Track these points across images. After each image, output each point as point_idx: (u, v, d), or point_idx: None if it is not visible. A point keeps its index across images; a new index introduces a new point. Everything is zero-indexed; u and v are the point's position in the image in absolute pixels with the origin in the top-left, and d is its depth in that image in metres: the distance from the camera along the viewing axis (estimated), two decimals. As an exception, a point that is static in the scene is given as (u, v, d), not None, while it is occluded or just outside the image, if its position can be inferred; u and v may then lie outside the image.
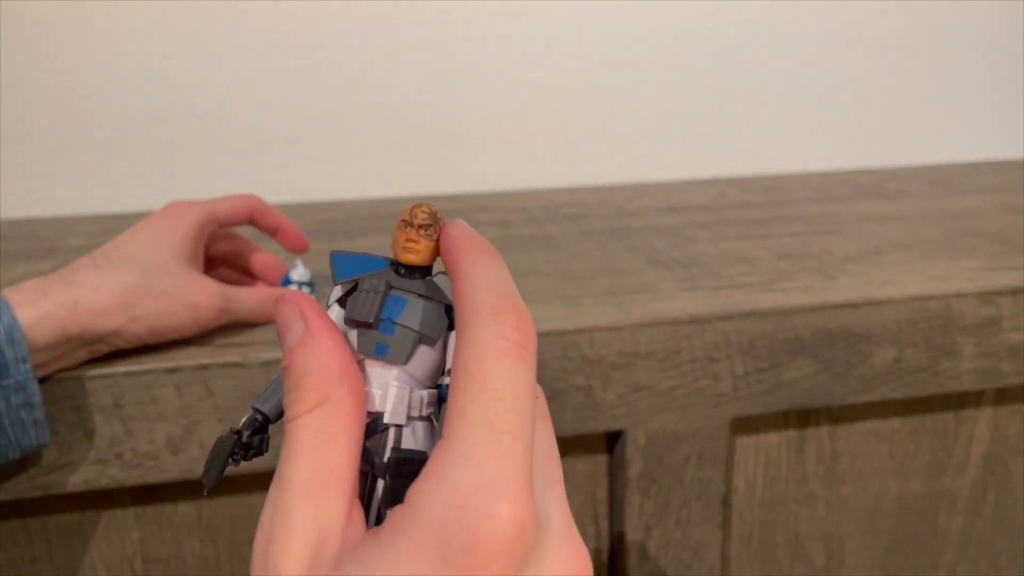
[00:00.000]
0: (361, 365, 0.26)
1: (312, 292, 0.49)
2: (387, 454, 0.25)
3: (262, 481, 0.46)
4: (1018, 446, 0.56)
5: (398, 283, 0.26)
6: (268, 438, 0.27)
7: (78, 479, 0.42)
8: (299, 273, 0.50)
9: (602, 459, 0.49)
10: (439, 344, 0.26)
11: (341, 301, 0.27)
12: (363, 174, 0.81)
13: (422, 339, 0.25)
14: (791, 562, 0.54)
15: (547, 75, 0.81)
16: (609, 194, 0.78)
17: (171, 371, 0.41)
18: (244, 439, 0.26)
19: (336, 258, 0.27)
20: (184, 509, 0.46)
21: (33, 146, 0.76)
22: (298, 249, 0.50)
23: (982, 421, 0.55)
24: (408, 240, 0.26)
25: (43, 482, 0.41)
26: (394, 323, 0.25)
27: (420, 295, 0.26)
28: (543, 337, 0.43)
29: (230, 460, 0.26)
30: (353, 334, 0.26)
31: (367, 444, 0.25)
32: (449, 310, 0.26)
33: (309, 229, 0.66)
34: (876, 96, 0.88)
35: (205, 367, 0.41)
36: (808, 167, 0.88)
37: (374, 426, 0.25)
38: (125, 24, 0.74)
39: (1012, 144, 0.92)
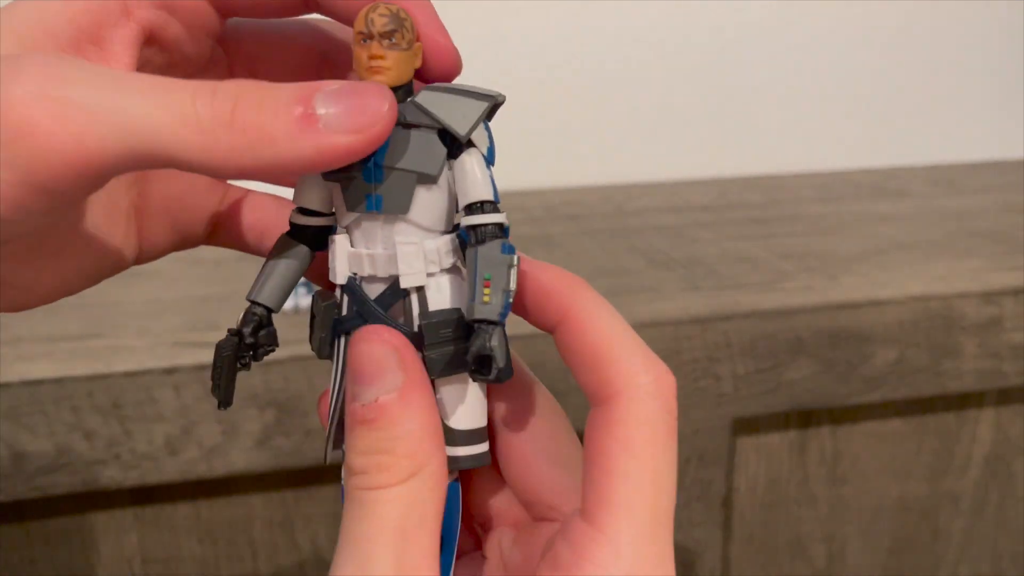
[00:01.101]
0: (355, 224, 0.22)
1: (309, 293, 0.49)
2: (416, 322, 0.21)
3: (262, 482, 0.46)
4: (1020, 446, 0.56)
5: None
6: (275, 331, 0.23)
7: (76, 480, 0.41)
8: None
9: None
10: (442, 179, 0.21)
11: None
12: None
13: (419, 179, 0.21)
14: (792, 563, 0.54)
15: (547, 75, 0.81)
16: (609, 194, 0.77)
17: (170, 371, 0.41)
18: (246, 339, 0.22)
19: None
20: (183, 510, 0.46)
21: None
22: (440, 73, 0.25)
23: (984, 422, 0.55)
24: (371, 57, 0.20)
25: (42, 483, 0.41)
26: (379, 167, 0.21)
27: (403, 124, 0.21)
28: (544, 337, 0.43)
29: (239, 365, 0.22)
30: (337, 190, 0.22)
31: (387, 315, 0.22)
32: (444, 135, 0.21)
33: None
34: (878, 96, 0.88)
35: (204, 367, 0.41)
36: (810, 167, 0.88)
37: (390, 294, 0.22)
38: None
39: (1014, 144, 0.92)
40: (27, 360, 0.42)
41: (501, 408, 0.24)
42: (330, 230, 0.23)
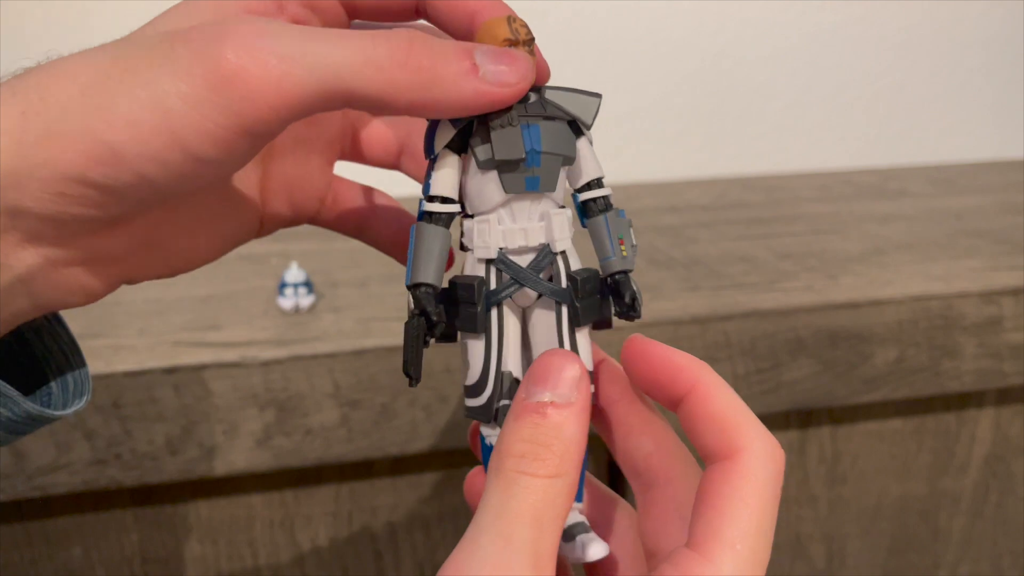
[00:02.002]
0: (505, 205, 0.25)
1: (309, 293, 0.49)
2: (563, 281, 0.25)
3: (261, 482, 0.46)
4: (1020, 446, 0.56)
5: (520, 110, 0.25)
6: (443, 307, 0.25)
7: (77, 480, 0.41)
8: (293, 275, 0.49)
9: (603, 460, 0.49)
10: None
11: (452, 145, 0.25)
12: (363, 174, 0.81)
13: (564, 161, 0.25)
14: (792, 562, 0.54)
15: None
16: (610, 194, 0.77)
17: (170, 371, 0.41)
18: (433, 317, 0.24)
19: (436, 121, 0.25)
20: (183, 510, 0.46)
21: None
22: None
23: (984, 421, 0.55)
24: None
25: (42, 483, 0.41)
26: (538, 152, 0.24)
27: (545, 116, 0.25)
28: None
29: (425, 343, 0.25)
30: (489, 177, 0.25)
31: (539, 278, 0.25)
32: (572, 124, 0.25)
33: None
34: (878, 96, 0.88)
35: (204, 367, 0.41)
36: (810, 167, 0.88)
37: (541, 258, 0.25)
38: (125, 23, 0.73)
39: (1014, 144, 0.92)
40: (27, 360, 0.42)
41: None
42: (454, 216, 0.25)
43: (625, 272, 0.25)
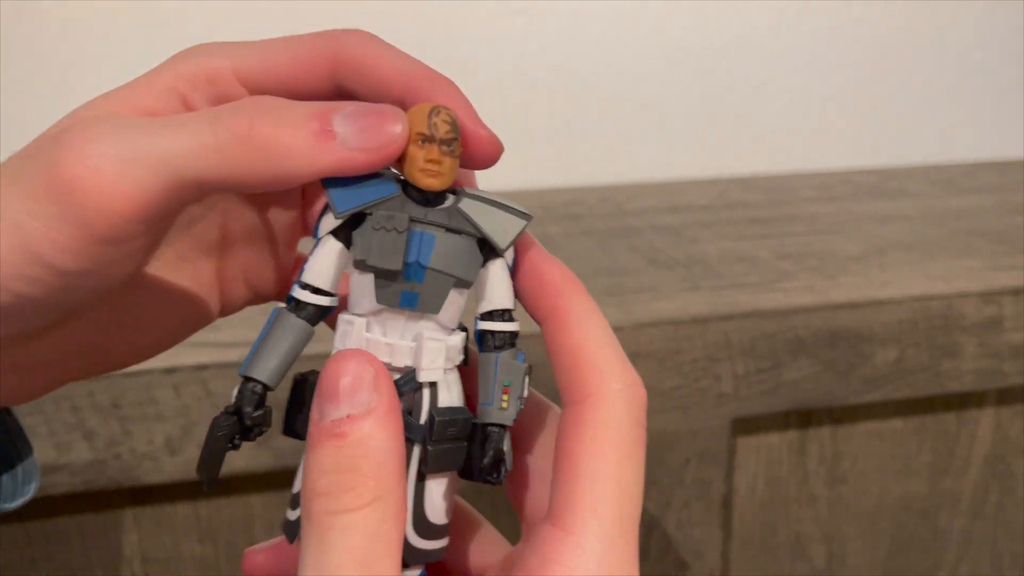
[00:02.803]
0: (376, 313, 0.22)
1: None
2: (423, 415, 0.22)
3: (261, 482, 0.46)
4: (1020, 447, 0.56)
5: (419, 213, 0.21)
6: (271, 411, 0.22)
7: (76, 480, 0.41)
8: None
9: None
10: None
11: (338, 233, 0.22)
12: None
13: (457, 283, 0.22)
14: (792, 563, 0.54)
15: (547, 74, 0.81)
16: (609, 194, 0.77)
17: (169, 371, 0.41)
18: (246, 421, 0.22)
19: (330, 181, 0.21)
20: (183, 510, 0.45)
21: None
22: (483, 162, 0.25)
23: (984, 422, 0.55)
24: (428, 160, 0.21)
25: (41, 483, 0.41)
26: (423, 267, 0.21)
27: (448, 228, 0.22)
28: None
29: (230, 446, 0.22)
30: (366, 279, 0.22)
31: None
32: (482, 243, 0.22)
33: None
34: (878, 95, 0.88)
35: (204, 367, 0.41)
36: (810, 167, 0.88)
37: (403, 384, 0.22)
38: (126, 23, 0.73)
39: (1014, 143, 0.92)
40: (27, 360, 0.42)
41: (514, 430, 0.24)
42: (328, 311, 0.23)
43: (500, 426, 0.22)
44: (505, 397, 0.22)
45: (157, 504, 0.45)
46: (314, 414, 0.20)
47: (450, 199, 0.22)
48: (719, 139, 0.86)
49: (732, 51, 0.84)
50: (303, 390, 0.23)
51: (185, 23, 0.75)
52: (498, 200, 0.23)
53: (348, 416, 0.20)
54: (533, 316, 0.23)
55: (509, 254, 0.23)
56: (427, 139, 0.21)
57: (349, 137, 0.20)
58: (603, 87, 0.83)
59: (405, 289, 0.21)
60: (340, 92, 0.24)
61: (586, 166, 0.84)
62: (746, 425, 0.50)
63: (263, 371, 0.22)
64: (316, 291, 0.22)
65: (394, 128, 0.20)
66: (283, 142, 0.20)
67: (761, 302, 0.48)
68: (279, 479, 0.46)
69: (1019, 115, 0.92)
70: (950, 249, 0.58)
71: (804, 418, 0.51)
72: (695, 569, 0.51)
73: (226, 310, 0.29)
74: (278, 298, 0.30)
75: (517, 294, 0.23)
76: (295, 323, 0.22)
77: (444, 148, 0.21)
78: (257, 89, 0.25)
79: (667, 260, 0.56)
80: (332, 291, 0.22)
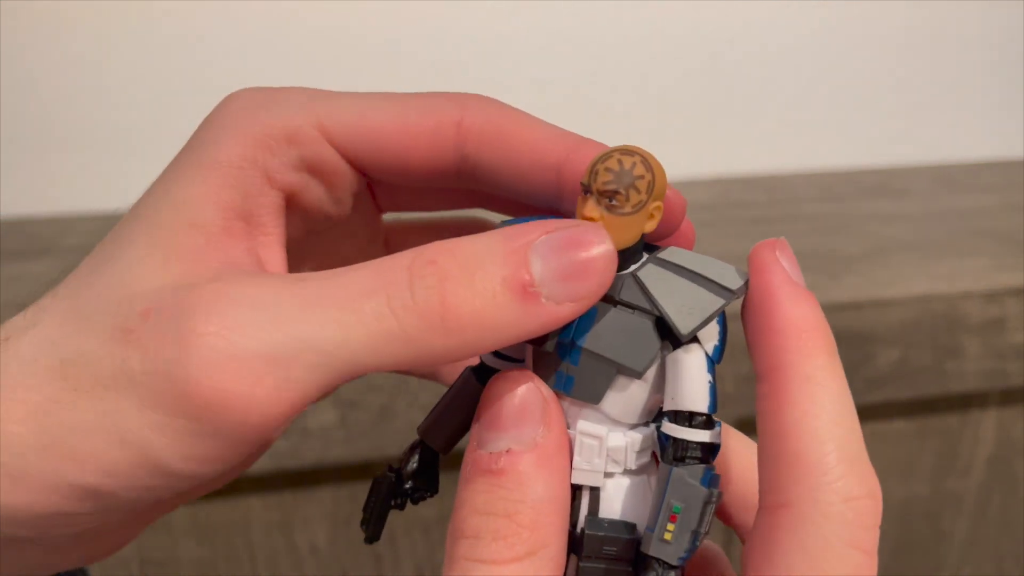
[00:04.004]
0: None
1: None
2: (580, 523, 0.18)
3: (259, 484, 0.45)
4: (1023, 447, 0.55)
5: None
6: (438, 475, 0.21)
7: (73, 481, 0.41)
8: None
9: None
10: (652, 372, 0.18)
11: None
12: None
13: (620, 370, 0.18)
14: (794, 565, 0.54)
15: (547, 74, 0.81)
16: (611, 193, 0.77)
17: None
18: (406, 484, 0.20)
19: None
20: (181, 512, 0.45)
21: (30, 143, 0.76)
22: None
23: (987, 422, 0.54)
24: (583, 217, 0.17)
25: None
26: (577, 348, 0.18)
27: (617, 301, 0.18)
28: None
29: (392, 505, 0.20)
30: (530, 351, 0.19)
31: None
32: (662, 324, 0.18)
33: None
34: (880, 94, 0.88)
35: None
36: (811, 166, 0.88)
37: None
38: (127, 22, 0.73)
39: (1018, 143, 0.92)
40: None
41: None
42: None
43: (661, 563, 0.17)
44: (671, 527, 0.17)
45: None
46: (472, 440, 0.18)
47: (637, 263, 0.18)
48: (720, 138, 0.86)
49: (734, 50, 0.84)
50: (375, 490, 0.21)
51: (185, 22, 0.74)
52: (700, 268, 0.18)
53: (508, 451, 0.17)
54: (756, 368, 0.18)
55: (711, 339, 0.18)
56: (586, 190, 0.18)
57: (554, 291, 0.16)
58: (603, 87, 0.82)
59: (561, 370, 0.18)
60: (464, 164, 0.21)
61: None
62: (749, 426, 0.50)
63: (434, 436, 0.20)
64: (502, 357, 0.20)
65: (603, 265, 0.17)
66: (484, 318, 0.16)
67: (763, 302, 0.47)
68: (278, 481, 0.45)
69: (1021, 114, 0.91)
70: (953, 249, 0.57)
71: (806, 419, 0.51)
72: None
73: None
74: None
75: (746, 330, 0.18)
76: (476, 388, 0.20)
77: (604, 202, 0.17)
78: (352, 154, 0.21)
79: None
80: (520, 357, 0.20)
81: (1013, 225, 0.63)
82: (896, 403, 0.52)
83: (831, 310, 0.47)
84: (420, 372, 0.25)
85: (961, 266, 0.53)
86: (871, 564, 0.16)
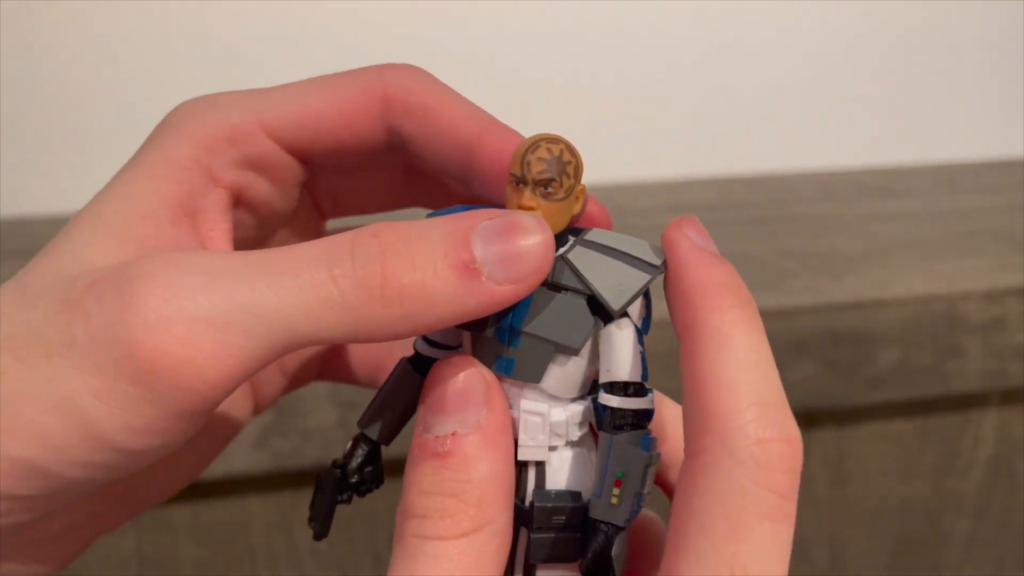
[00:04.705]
0: None
1: None
2: (528, 497, 0.19)
3: (259, 485, 0.45)
4: (1023, 448, 0.55)
5: None
6: (382, 467, 0.21)
7: (73, 481, 0.41)
8: None
9: (603, 461, 0.49)
10: (584, 348, 0.19)
11: None
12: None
13: (558, 349, 0.18)
14: (794, 564, 0.54)
15: (546, 74, 0.81)
16: (610, 193, 0.77)
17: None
18: (352, 479, 0.21)
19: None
20: (180, 512, 0.45)
21: (30, 143, 0.76)
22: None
23: (988, 422, 0.54)
24: (521, 207, 0.18)
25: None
26: (517, 332, 0.18)
27: (548, 284, 0.18)
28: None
29: (339, 500, 0.21)
30: (466, 337, 0.20)
31: None
32: (593, 302, 0.18)
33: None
34: (881, 94, 0.88)
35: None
36: (812, 166, 0.88)
37: None
38: (127, 22, 0.73)
39: (1019, 143, 0.92)
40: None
41: None
42: None
43: (609, 525, 0.18)
44: (616, 491, 0.18)
45: (155, 506, 0.45)
46: (417, 425, 0.18)
47: (565, 246, 0.19)
48: (721, 138, 0.86)
49: (734, 50, 0.84)
50: (321, 483, 0.21)
51: (186, 23, 0.74)
52: (625, 247, 0.19)
53: (454, 434, 0.18)
54: (676, 332, 0.19)
55: (638, 313, 0.19)
56: (519, 180, 0.18)
57: (494, 271, 0.17)
58: (603, 87, 0.82)
59: (501, 354, 0.18)
60: (392, 136, 0.21)
61: (587, 166, 0.83)
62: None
63: (375, 428, 0.21)
64: (436, 345, 0.20)
65: (542, 249, 0.17)
66: (424, 290, 0.16)
67: (763, 302, 0.47)
68: (277, 481, 0.45)
69: (1021, 114, 0.91)
70: (954, 249, 0.57)
71: (807, 419, 0.51)
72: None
73: (260, 407, 0.26)
74: (320, 379, 0.28)
75: (667, 301, 0.19)
76: (414, 378, 0.20)
77: (540, 190, 0.18)
78: (293, 144, 0.21)
79: (669, 260, 0.56)
80: (455, 344, 0.20)
81: (1013, 225, 0.63)
82: (896, 403, 0.52)
83: (831, 310, 0.47)
84: (363, 378, 0.26)
85: (961, 266, 0.53)
86: (788, 507, 0.17)
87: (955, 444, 0.54)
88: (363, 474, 0.21)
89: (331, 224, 0.27)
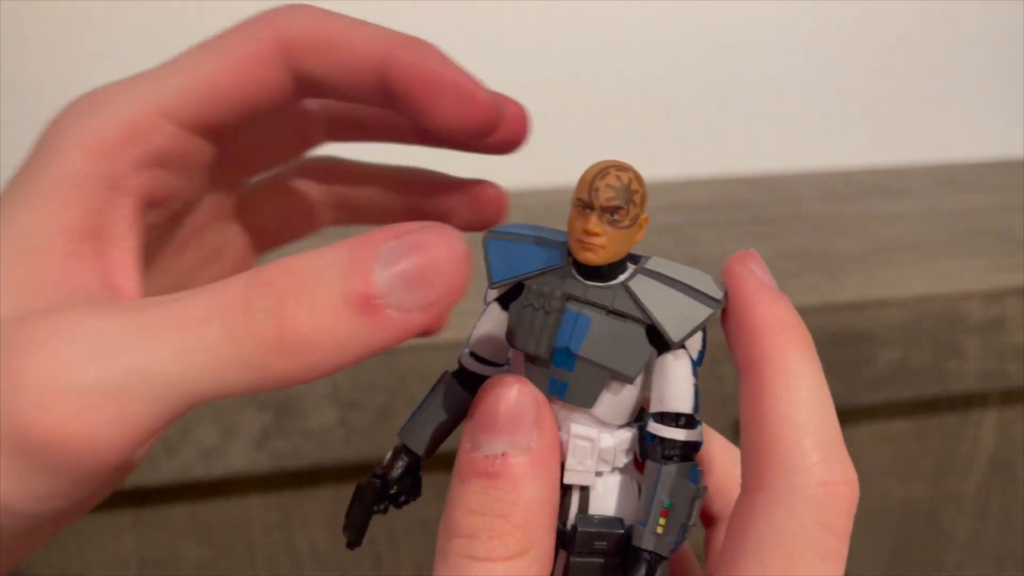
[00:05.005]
0: None
1: None
2: (570, 520, 0.19)
3: (260, 484, 0.45)
4: (1023, 448, 0.55)
5: (579, 290, 0.18)
6: (420, 479, 0.21)
7: (73, 481, 0.41)
8: None
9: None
10: (639, 377, 0.19)
11: (503, 300, 0.20)
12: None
13: (614, 376, 0.18)
14: (794, 565, 0.54)
15: (547, 74, 0.81)
16: (611, 193, 0.77)
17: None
18: (391, 490, 0.21)
19: (492, 244, 0.19)
20: (180, 512, 0.45)
21: (30, 143, 0.76)
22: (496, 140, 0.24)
23: (987, 423, 0.54)
24: (586, 232, 0.18)
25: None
26: (572, 356, 0.18)
27: (610, 310, 0.18)
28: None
29: (376, 510, 0.21)
30: (519, 357, 0.19)
31: None
32: (652, 331, 0.18)
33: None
34: (881, 94, 0.88)
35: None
36: (812, 166, 0.88)
37: None
38: (128, 22, 0.73)
39: (1019, 143, 0.92)
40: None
41: None
42: None
43: (652, 554, 0.18)
44: (663, 521, 0.18)
45: (155, 506, 0.45)
46: (465, 442, 0.18)
47: (626, 273, 0.19)
48: (720, 138, 0.86)
49: (734, 50, 0.84)
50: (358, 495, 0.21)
51: (186, 23, 0.74)
52: (685, 278, 0.19)
53: (503, 454, 0.17)
54: (737, 366, 0.19)
55: (695, 346, 0.19)
56: (586, 205, 0.18)
57: (402, 300, 0.15)
58: (603, 87, 0.82)
59: (554, 376, 0.18)
60: (301, 82, 0.20)
61: (587, 165, 0.83)
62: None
63: (417, 441, 0.21)
64: (483, 360, 0.20)
65: (454, 267, 0.16)
66: (326, 337, 0.15)
67: (763, 302, 0.47)
68: (278, 481, 0.45)
69: (1021, 114, 0.91)
70: (954, 249, 0.57)
71: (806, 419, 0.51)
72: (698, 571, 0.50)
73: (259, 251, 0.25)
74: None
75: (726, 334, 0.19)
76: (458, 393, 0.20)
77: (606, 217, 0.18)
78: (198, 123, 0.20)
79: (668, 260, 0.56)
80: (500, 361, 0.20)
81: (1013, 225, 0.63)
82: (896, 403, 0.52)
83: (831, 310, 0.47)
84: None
85: (962, 266, 0.53)
86: (843, 549, 0.17)
87: (955, 444, 0.54)
88: (402, 486, 0.21)
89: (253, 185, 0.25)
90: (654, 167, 0.85)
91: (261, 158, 0.25)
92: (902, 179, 0.81)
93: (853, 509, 0.17)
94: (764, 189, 0.77)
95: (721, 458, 0.22)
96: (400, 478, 0.21)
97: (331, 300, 0.15)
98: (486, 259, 0.19)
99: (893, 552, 0.55)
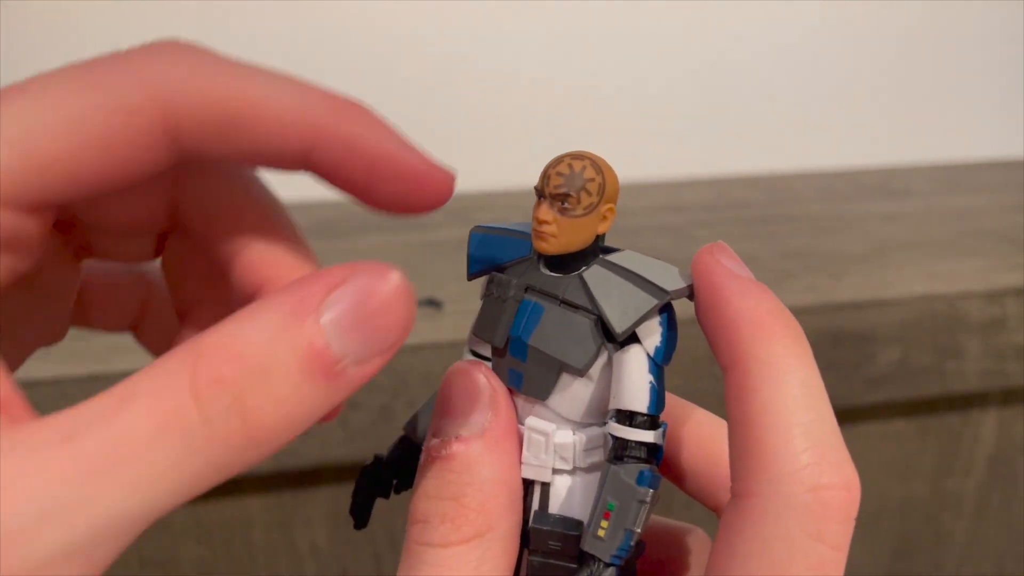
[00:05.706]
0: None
1: None
2: (529, 518, 0.18)
3: (259, 484, 0.45)
4: (1023, 447, 0.55)
5: (538, 280, 0.18)
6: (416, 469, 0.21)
7: (73, 481, 0.41)
8: None
9: (603, 461, 0.49)
10: (597, 371, 0.18)
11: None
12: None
13: (563, 368, 0.18)
14: (794, 565, 0.54)
15: (547, 74, 0.81)
16: (611, 193, 0.77)
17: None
18: (391, 474, 0.21)
19: (474, 238, 0.19)
20: (181, 512, 0.45)
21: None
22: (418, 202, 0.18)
23: (987, 422, 0.54)
24: (537, 220, 0.18)
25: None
26: (524, 344, 0.18)
27: (561, 300, 0.18)
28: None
29: (378, 493, 0.21)
30: (487, 349, 0.19)
31: None
32: (602, 325, 0.18)
33: (305, 229, 0.66)
34: (881, 94, 0.88)
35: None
36: (812, 166, 0.88)
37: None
38: (128, 23, 0.73)
39: (1019, 143, 0.92)
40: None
41: None
42: None
43: (594, 558, 0.17)
44: (604, 524, 0.17)
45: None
46: (429, 432, 0.18)
47: (588, 265, 0.18)
48: (721, 138, 0.86)
49: (734, 50, 0.84)
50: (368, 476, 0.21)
51: (186, 23, 0.74)
52: (643, 270, 0.18)
53: (457, 437, 0.17)
54: (720, 365, 0.17)
55: (653, 340, 0.18)
56: (539, 193, 0.18)
57: (360, 353, 0.14)
58: (603, 87, 0.82)
59: (512, 367, 0.18)
60: (186, 157, 0.16)
61: (587, 165, 0.83)
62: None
63: (415, 431, 0.21)
64: (483, 358, 0.20)
65: (400, 310, 0.15)
66: (294, 418, 0.14)
67: (763, 302, 0.47)
68: (277, 481, 0.45)
69: (1021, 114, 0.91)
70: (953, 249, 0.57)
71: (806, 419, 0.51)
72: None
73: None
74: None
75: (705, 332, 0.18)
76: None
77: (557, 205, 0.17)
78: (36, 202, 0.15)
79: (668, 260, 0.56)
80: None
81: (1013, 225, 0.63)
82: (896, 403, 0.52)
83: (831, 310, 0.47)
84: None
85: (961, 266, 0.53)
86: (839, 559, 0.16)
87: (955, 444, 0.54)
88: (400, 471, 0.21)
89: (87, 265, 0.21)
90: (654, 167, 0.85)
91: (119, 224, 0.19)
92: (902, 179, 0.81)
93: (852, 514, 0.16)
94: (764, 189, 0.77)
95: (713, 442, 0.21)
96: (393, 463, 0.21)
97: (291, 380, 0.14)
98: (469, 247, 0.19)
99: (893, 553, 0.55)
